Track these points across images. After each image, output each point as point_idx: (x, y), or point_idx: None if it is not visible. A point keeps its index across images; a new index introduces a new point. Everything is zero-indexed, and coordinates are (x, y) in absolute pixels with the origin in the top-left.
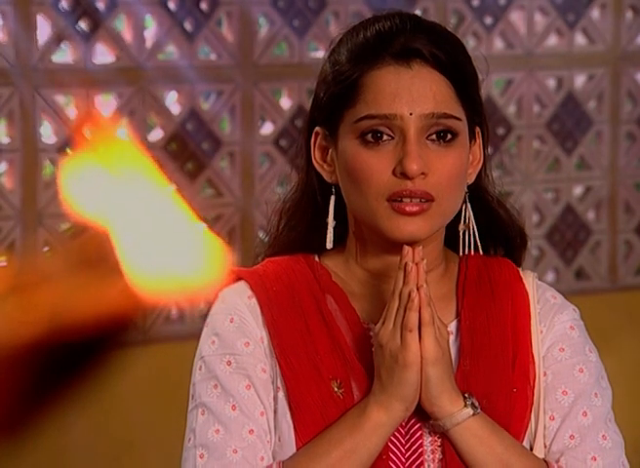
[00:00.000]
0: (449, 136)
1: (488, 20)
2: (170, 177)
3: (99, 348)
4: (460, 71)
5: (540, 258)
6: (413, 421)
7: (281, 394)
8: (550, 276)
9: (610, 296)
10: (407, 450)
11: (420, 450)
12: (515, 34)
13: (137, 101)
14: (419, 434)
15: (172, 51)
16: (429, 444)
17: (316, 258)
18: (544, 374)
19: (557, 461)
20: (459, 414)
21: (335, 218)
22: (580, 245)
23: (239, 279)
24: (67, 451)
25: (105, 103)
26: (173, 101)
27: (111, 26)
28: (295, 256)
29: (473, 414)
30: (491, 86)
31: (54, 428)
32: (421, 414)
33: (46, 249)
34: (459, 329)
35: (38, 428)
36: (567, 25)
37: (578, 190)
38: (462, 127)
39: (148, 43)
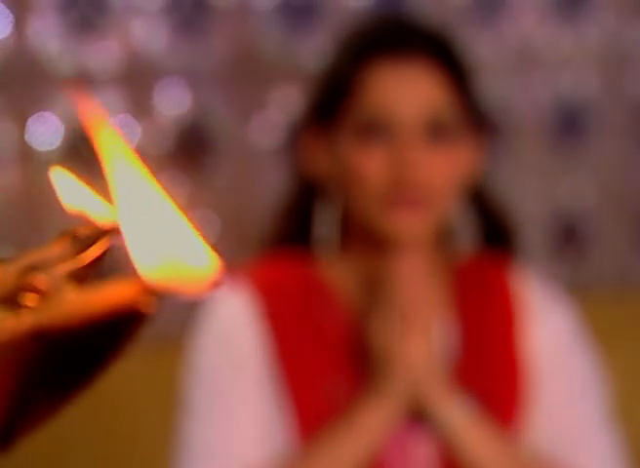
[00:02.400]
0: (445, 135)
1: (487, 19)
2: (170, 178)
3: (105, 349)
4: (457, 71)
5: (541, 259)
6: (408, 421)
7: (278, 396)
8: (550, 276)
9: (611, 297)
10: (403, 450)
11: (416, 450)
12: (514, 33)
13: (136, 102)
14: (414, 433)
15: (172, 51)
16: (425, 443)
17: (312, 259)
18: (541, 373)
19: (554, 460)
20: (454, 414)
21: (330, 219)
22: (580, 245)
23: (236, 281)
24: (67, 450)
25: (105, 104)
26: (173, 101)
27: (111, 27)
28: (290, 258)
29: (469, 414)
30: (489, 86)
31: (54, 427)
32: (417, 414)
33: (46, 248)
34: (453, 328)
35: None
36: (566, 25)
37: (577, 190)
38: (459, 127)
39: (149, 43)
